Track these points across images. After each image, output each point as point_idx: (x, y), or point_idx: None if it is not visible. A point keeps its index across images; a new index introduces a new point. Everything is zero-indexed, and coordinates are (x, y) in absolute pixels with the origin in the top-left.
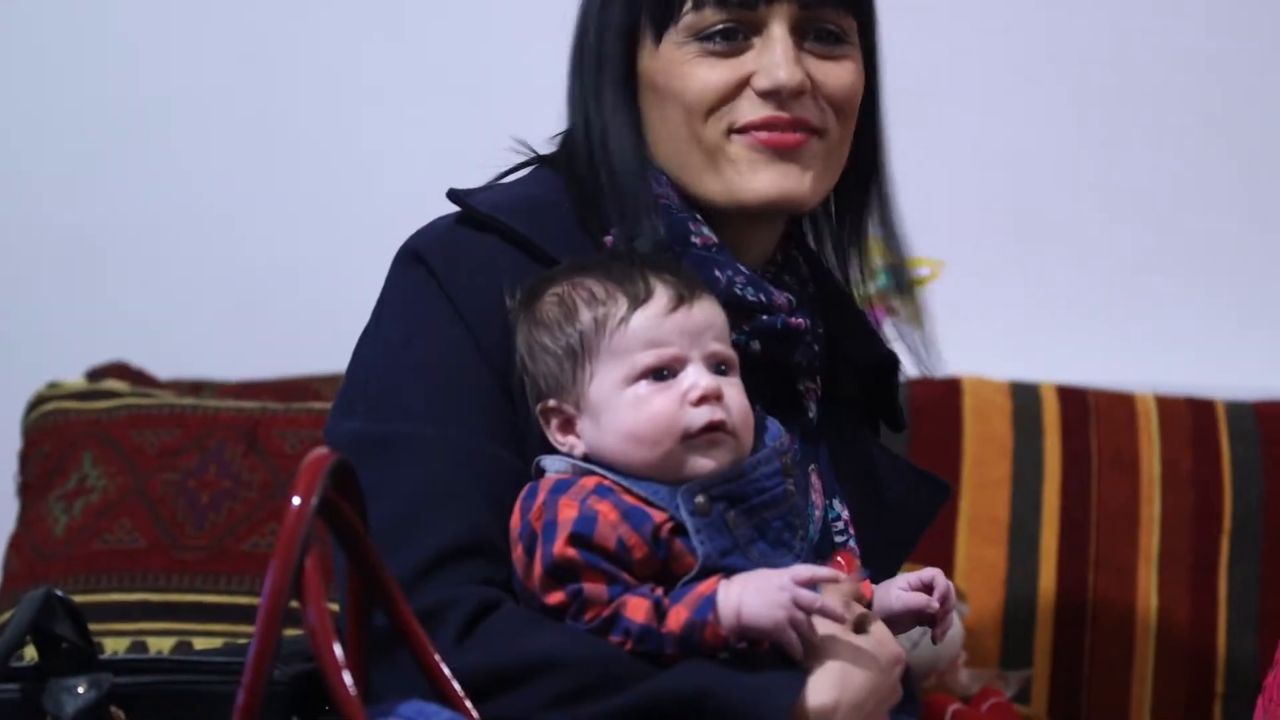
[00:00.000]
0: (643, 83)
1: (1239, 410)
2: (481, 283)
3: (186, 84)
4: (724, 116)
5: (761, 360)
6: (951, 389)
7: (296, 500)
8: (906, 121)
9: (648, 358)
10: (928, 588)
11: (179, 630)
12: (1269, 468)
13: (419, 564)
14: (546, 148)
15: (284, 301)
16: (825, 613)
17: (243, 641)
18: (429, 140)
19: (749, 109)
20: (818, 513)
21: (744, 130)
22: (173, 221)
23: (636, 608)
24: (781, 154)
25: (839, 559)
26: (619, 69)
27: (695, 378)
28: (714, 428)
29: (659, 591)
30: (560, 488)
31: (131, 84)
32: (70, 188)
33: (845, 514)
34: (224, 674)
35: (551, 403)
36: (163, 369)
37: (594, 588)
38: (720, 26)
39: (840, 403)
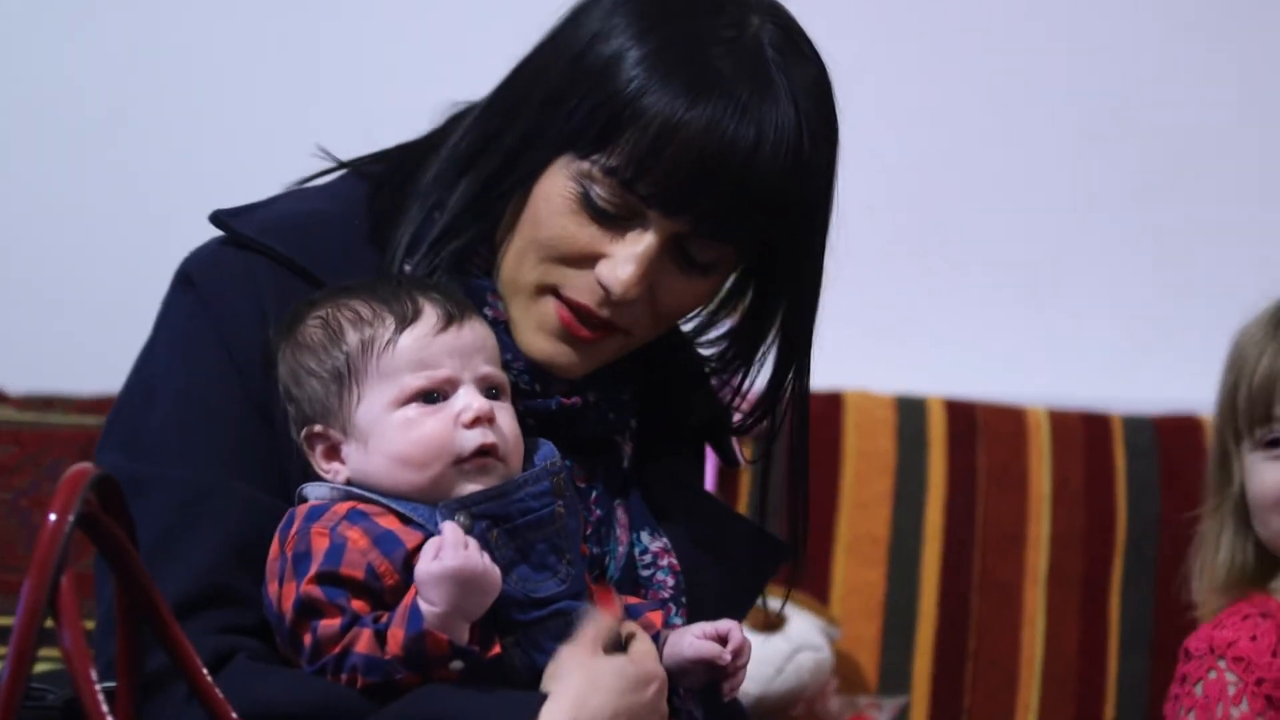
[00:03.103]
0: (539, 180)
1: (1137, 425)
2: (245, 306)
3: (37, 90)
4: (554, 272)
5: (541, 434)
6: (833, 403)
7: (53, 516)
8: None
9: (417, 380)
10: (722, 639)
11: None
12: (1167, 484)
13: None
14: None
15: (143, 313)
16: (449, 538)
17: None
18: (278, 151)
19: (578, 286)
20: (621, 548)
21: (560, 296)
22: (34, 233)
23: (362, 639)
24: (571, 339)
25: (599, 596)
26: (543, 144)
27: (468, 399)
28: (485, 452)
29: (384, 618)
30: (314, 514)
31: None
32: None
33: (656, 545)
34: None
35: (317, 428)
36: (18, 383)
37: (329, 625)
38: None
39: (674, 448)
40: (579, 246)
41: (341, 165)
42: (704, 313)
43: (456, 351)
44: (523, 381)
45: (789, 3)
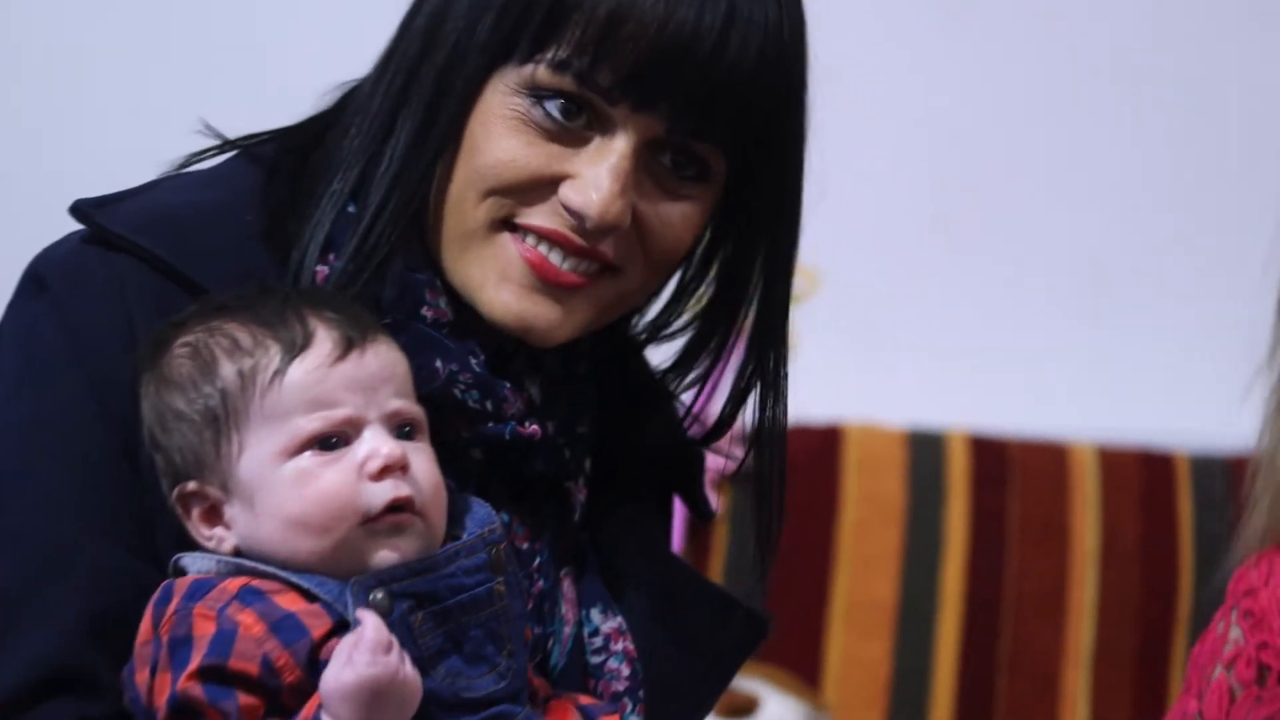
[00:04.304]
0: (473, 114)
1: (1206, 466)
2: (109, 318)
3: None
4: (507, 203)
5: (486, 470)
6: (831, 438)
7: None
8: None
9: (312, 422)
10: None
11: None
12: None
13: None
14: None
15: None
16: (367, 638)
17: None
18: (151, 128)
19: (543, 212)
20: (568, 629)
21: (522, 230)
22: None
23: None
24: (547, 287)
25: (555, 709)
26: (467, 86)
27: (374, 444)
28: (399, 506)
29: None
30: (197, 591)
31: None
32: None
33: (609, 626)
34: None
35: (191, 485)
36: None
37: None
38: (561, 99)
39: (636, 502)
40: (532, 169)
41: (228, 144)
42: (664, 304)
43: (358, 384)
44: (471, 400)
45: None
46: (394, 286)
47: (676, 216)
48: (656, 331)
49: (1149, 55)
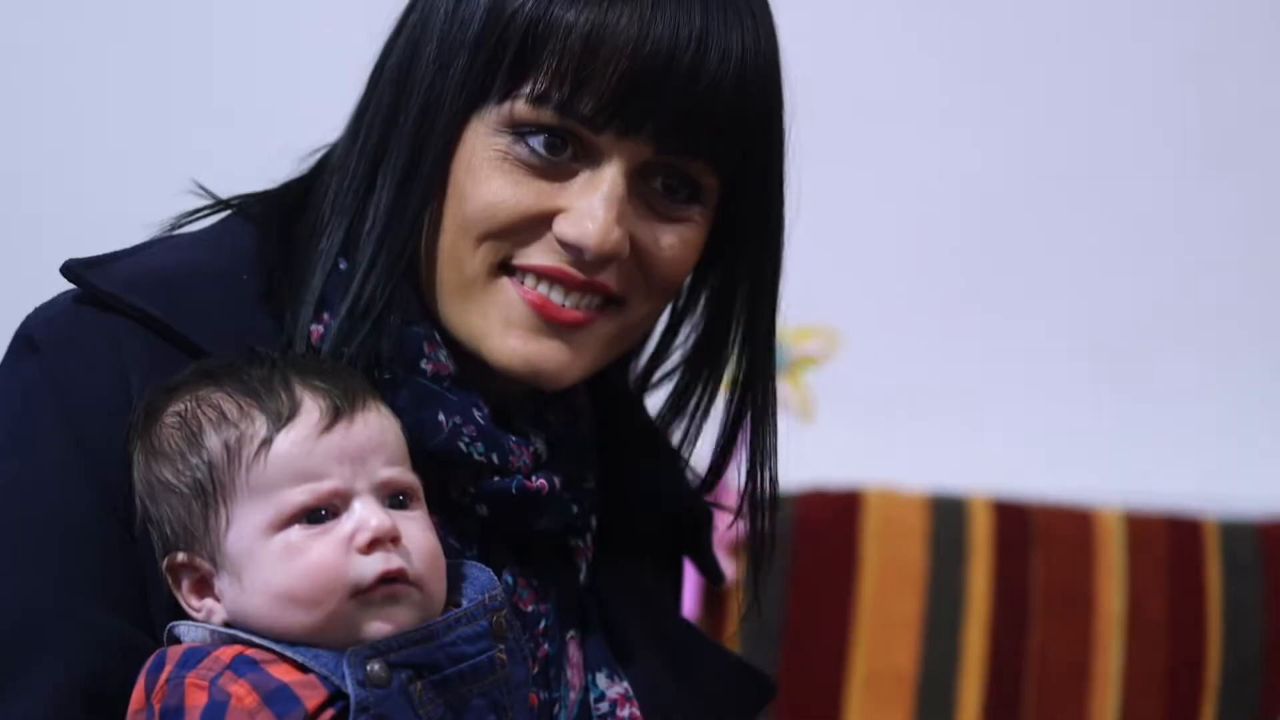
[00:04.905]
0: (455, 160)
1: (1236, 531)
2: (102, 380)
3: None
4: (502, 246)
5: (493, 527)
6: (850, 503)
7: None
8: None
9: (299, 495)
10: None
11: None
12: (1273, 608)
13: None
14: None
15: None
16: None
17: None
18: (146, 185)
19: (539, 250)
20: (573, 694)
21: (521, 272)
22: None
23: None
24: (552, 327)
25: None
26: (446, 131)
27: (363, 515)
28: (390, 579)
29: None
30: (190, 659)
31: None
32: None
33: (615, 691)
34: None
35: (181, 557)
36: None
37: None
38: (545, 133)
39: (642, 561)
40: (523, 209)
41: (220, 204)
42: (657, 341)
43: (346, 455)
44: (476, 452)
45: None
46: (391, 341)
47: (674, 240)
48: (650, 374)
49: (1185, 110)
